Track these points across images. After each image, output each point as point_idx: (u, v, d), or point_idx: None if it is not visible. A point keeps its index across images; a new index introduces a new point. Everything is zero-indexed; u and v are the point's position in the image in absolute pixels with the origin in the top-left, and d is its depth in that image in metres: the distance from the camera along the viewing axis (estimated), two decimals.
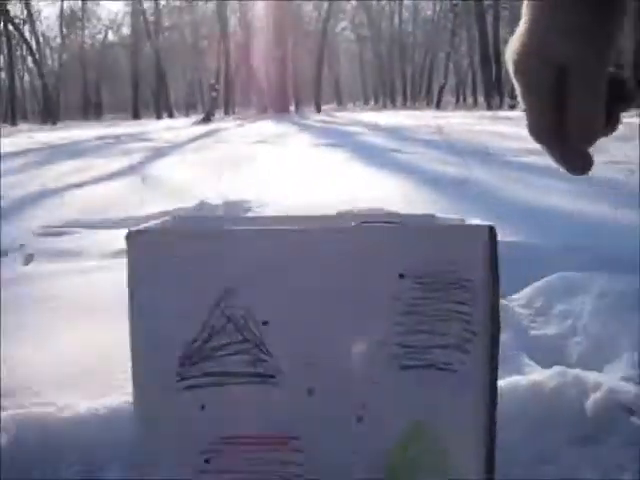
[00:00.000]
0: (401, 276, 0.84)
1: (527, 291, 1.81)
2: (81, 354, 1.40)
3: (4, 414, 1.06)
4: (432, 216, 1.16)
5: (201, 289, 0.82)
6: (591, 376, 1.10)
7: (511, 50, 0.65)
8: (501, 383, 1.14)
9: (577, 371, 1.11)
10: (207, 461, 0.85)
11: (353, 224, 0.93)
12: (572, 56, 0.61)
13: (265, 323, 0.83)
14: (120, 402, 0.84)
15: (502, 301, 1.89)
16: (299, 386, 0.84)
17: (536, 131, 0.65)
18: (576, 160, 0.65)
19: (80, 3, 39.48)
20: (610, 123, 0.65)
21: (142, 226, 0.96)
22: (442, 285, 0.84)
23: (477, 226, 0.84)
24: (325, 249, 0.83)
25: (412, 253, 0.83)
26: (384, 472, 0.86)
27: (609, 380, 1.08)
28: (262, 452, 0.85)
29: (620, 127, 0.66)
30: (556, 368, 1.12)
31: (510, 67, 0.65)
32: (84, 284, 1.95)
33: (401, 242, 0.84)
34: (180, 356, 0.83)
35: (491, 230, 0.83)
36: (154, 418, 0.85)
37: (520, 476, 1.03)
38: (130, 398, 0.86)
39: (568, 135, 0.64)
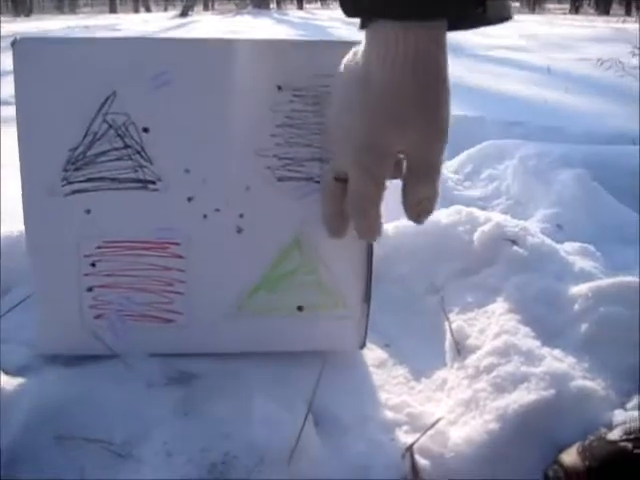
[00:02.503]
0: (279, 88, 0.86)
1: (460, 158, 1.85)
2: None
3: None
4: None
5: (84, 96, 0.84)
6: (483, 214, 1.14)
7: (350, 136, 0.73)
8: (403, 222, 1.19)
9: (472, 209, 1.15)
10: (93, 265, 0.89)
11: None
12: (410, 144, 0.70)
13: (145, 130, 0.85)
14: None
15: None
16: (179, 193, 0.87)
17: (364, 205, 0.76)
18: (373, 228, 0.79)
19: None
20: None
21: (28, 36, 0.97)
22: (319, 99, 0.86)
23: (353, 43, 0.85)
24: (206, 60, 0.85)
25: (290, 66, 0.85)
26: (261, 283, 0.91)
27: (498, 216, 1.12)
28: (145, 256, 0.89)
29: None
30: (453, 207, 1.16)
31: (349, 155, 0.73)
32: None
33: (279, 55, 0.85)
34: (64, 162, 0.86)
35: None
36: (41, 220, 0.87)
37: (410, 303, 1.08)
38: None
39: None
